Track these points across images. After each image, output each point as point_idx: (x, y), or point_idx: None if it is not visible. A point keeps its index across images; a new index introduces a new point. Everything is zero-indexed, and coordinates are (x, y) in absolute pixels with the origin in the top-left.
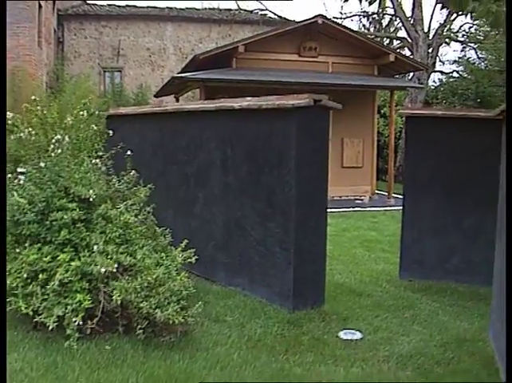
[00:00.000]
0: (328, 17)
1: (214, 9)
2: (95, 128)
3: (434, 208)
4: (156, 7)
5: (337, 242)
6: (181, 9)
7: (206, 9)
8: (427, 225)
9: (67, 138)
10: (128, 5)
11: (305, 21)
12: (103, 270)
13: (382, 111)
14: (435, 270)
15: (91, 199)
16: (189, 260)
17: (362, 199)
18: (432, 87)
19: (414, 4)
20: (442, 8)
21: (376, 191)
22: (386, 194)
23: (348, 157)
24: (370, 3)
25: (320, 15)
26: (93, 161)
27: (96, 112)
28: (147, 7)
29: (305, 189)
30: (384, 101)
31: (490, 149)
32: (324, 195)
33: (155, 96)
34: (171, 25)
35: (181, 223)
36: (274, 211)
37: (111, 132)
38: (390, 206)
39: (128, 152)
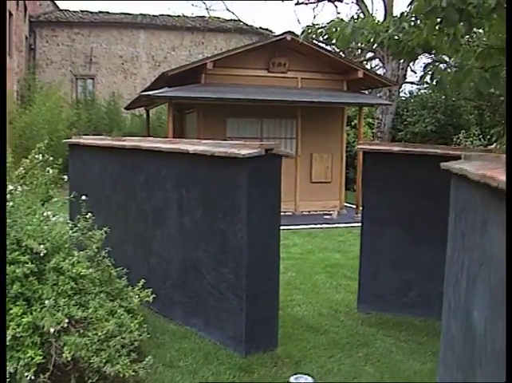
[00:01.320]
0: (297, 34)
1: (187, 16)
2: (50, 171)
3: (391, 243)
4: (130, 14)
5: (301, 267)
6: (154, 15)
7: (179, 16)
8: (384, 259)
9: (20, 188)
10: (101, 12)
11: (274, 37)
12: (52, 329)
13: (353, 122)
14: (392, 303)
15: (42, 254)
16: (146, 299)
17: (331, 214)
18: (403, 98)
19: (385, 15)
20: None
21: (345, 204)
22: (354, 207)
23: (317, 172)
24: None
25: (289, 32)
26: (45, 214)
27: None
28: (121, 13)
29: (257, 237)
30: (354, 113)
31: (447, 186)
32: (277, 241)
33: (125, 108)
34: (144, 33)
35: (140, 259)
36: (227, 257)
37: (66, 177)
38: (357, 222)
39: (83, 197)
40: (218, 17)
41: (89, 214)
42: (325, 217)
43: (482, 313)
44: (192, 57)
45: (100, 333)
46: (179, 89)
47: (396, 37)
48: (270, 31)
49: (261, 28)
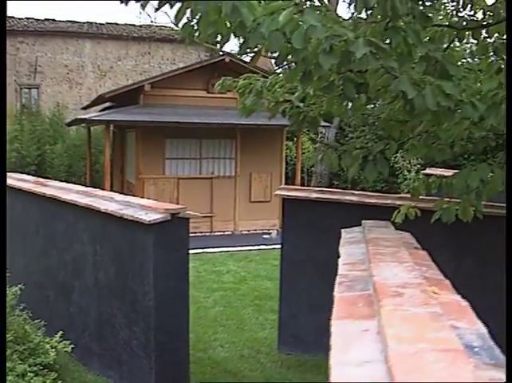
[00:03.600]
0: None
1: (134, 25)
2: None
3: (309, 286)
4: (76, 21)
5: (230, 300)
6: (101, 24)
7: (125, 25)
8: (303, 302)
9: None
10: (46, 19)
11: (212, 59)
12: None
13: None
14: (311, 345)
15: None
16: (65, 349)
17: (270, 234)
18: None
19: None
20: None
21: None
22: None
23: (256, 192)
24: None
25: (227, 53)
26: None
27: None
28: (67, 21)
29: (165, 299)
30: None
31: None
32: (186, 302)
33: (66, 124)
34: (90, 42)
35: (62, 306)
36: (138, 317)
37: None
38: None
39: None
40: (165, 26)
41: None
42: (264, 237)
43: None
44: (138, 67)
45: None
46: (117, 111)
47: (297, 107)
48: (218, 42)
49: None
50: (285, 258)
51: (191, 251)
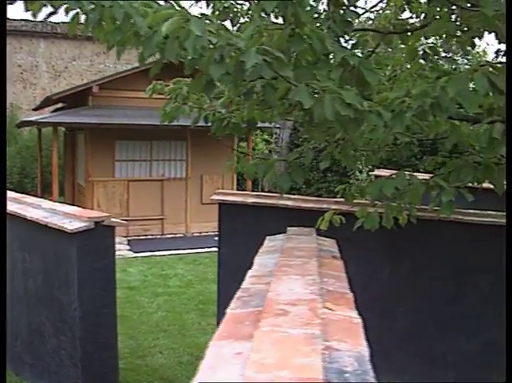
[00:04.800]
0: None
1: None
2: None
3: None
4: (30, 20)
5: (174, 305)
6: (55, 23)
7: (80, 24)
8: None
9: None
10: None
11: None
12: None
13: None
14: None
15: None
16: None
17: None
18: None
19: None
20: None
21: None
22: None
23: (208, 194)
24: None
25: None
26: None
27: None
28: (21, 20)
29: (91, 308)
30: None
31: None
32: (113, 310)
33: (16, 126)
34: (44, 42)
35: None
36: (64, 326)
37: None
38: None
39: None
40: None
41: None
42: (215, 239)
43: None
44: (93, 68)
45: None
46: (65, 113)
47: (219, 113)
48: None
49: None
50: (222, 263)
51: (139, 255)
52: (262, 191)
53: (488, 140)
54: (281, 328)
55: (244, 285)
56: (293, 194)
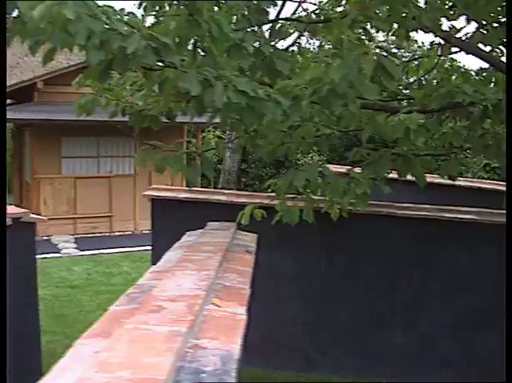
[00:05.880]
0: None
1: None
2: None
3: None
4: None
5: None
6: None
7: None
8: None
9: None
10: None
11: None
12: None
13: (203, 133)
14: None
15: None
16: None
17: None
18: None
19: None
20: None
21: None
22: None
23: None
24: None
25: None
26: None
27: None
28: None
29: (12, 305)
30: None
31: None
32: (35, 308)
33: None
34: None
35: None
36: None
37: None
38: None
39: None
40: None
41: None
42: None
43: None
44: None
45: None
46: (9, 109)
47: (136, 105)
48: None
49: None
50: (155, 260)
51: (86, 253)
52: (215, 187)
53: (404, 131)
54: (146, 325)
55: (140, 281)
56: (246, 190)
